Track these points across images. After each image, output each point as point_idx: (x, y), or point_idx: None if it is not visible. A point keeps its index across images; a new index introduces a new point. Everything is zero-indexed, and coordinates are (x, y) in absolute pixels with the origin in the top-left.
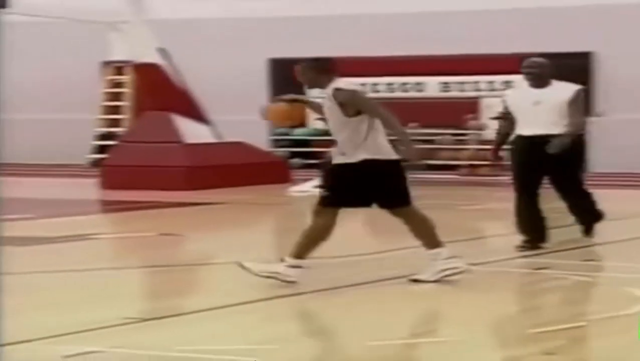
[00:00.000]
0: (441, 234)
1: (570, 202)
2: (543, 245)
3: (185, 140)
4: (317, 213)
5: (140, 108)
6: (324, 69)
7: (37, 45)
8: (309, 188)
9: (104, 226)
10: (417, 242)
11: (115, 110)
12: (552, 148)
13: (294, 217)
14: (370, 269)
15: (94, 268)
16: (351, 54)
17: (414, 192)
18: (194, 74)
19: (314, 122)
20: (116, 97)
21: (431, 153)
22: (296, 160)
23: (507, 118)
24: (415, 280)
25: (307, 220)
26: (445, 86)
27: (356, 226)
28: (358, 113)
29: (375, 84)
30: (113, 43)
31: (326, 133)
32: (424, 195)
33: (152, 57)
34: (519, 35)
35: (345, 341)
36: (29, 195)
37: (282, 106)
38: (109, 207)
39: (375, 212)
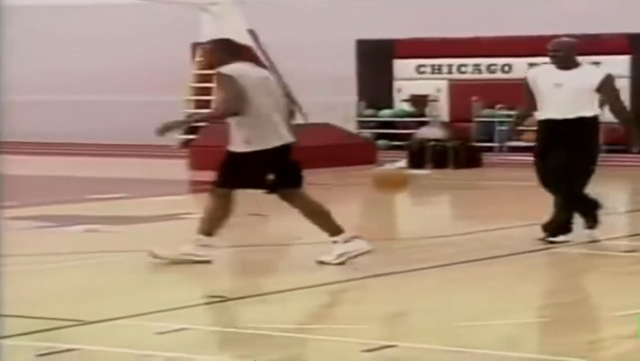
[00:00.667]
0: (537, 216)
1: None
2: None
3: None
4: (212, 194)
5: None
6: (232, 51)
7: (130, 27)
8: (394, 169)
9: (192, 206)
10: (512, 223)
11: (204, 91)
12: (634, 146)
13: (377, 198)
14: (468, 249)
15: None
16: (437, 35)
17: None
18: (282, 55)
19: (400, 103)
20: (205, 78)
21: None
22: (382, 142)
23: (530, 99)
24: (321, 262)
25: (389, 200)
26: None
27: (444, 208)
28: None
29: (462, 65)
30: (204, 24)
31: (412, 114)
32: (508, 177)
33: (242, 39)
34: (611, 16)
35: (431, 321)
36: (122, 175)
37: (387, 174)
38: (197, 187)
39: (460, 194)
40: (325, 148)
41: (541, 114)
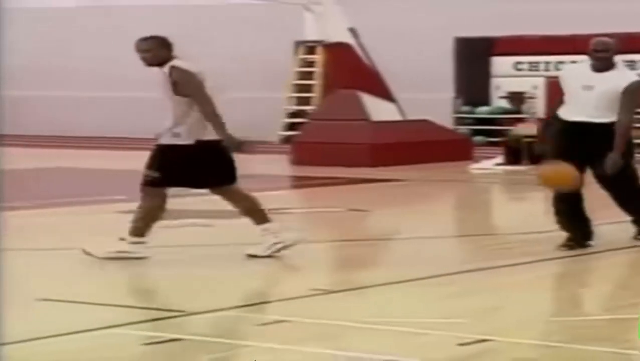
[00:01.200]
0: None
1: (619, 197)
2: (588, 243)
3: (372, 118)
4: (147, 194)
5: (329, 86)
6: (168, 47)
7: (235, 26)
8: (490, 166)
9: (294, 201)
10: (608, 219)
11: (306, 88)
12: (608, 169)
13: (473, 193)
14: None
15: None
16: (535, 32)
17: None
18: (382, 53)
19: (498, 100)
20: (307, 75)
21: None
22: (479, 138)
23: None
24: (251, 255)
25: (485, 196)
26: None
27: (539, 205)
28: (188, 95)
29: (560, 62)
30: (306, 23)
31: (509, 111)
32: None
33: (343, 37)
34: None
35: (526, 315)
36: None
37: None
38: (298, 182)
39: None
40: (423, 145)
41: (565, 114)
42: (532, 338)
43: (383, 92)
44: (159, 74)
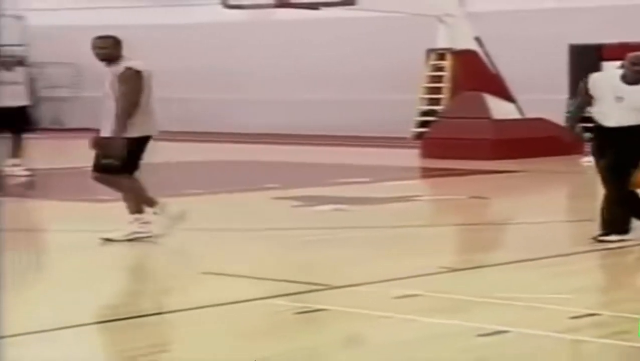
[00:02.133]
0: None
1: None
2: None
3: (494, 117)
4: (113, 180)
5: (457, 89)
6: (120, 46)
7: (376, 35)
8: None
9: (423, 189)
10: None
11: (436, 90)
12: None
13: (583, 183)
14: None
15: (414, 225)
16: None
17: None
18: (503, 59)
19: None
20: (437, 79)
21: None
22: (588, 134)
23: (585, 97)
24: (107, 239)
25: (594, 187)
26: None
27: None
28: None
29: None
30: (438, 33)
31: None
32: None
33: (470, 45)
34: None
35: (633, 293)
36: (365, 162)
37: None
38: (427, 173)
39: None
40: (538, 140)
41: (598, 116)
42: (638, 313)
43: (504, 93)
44: (109, 71)
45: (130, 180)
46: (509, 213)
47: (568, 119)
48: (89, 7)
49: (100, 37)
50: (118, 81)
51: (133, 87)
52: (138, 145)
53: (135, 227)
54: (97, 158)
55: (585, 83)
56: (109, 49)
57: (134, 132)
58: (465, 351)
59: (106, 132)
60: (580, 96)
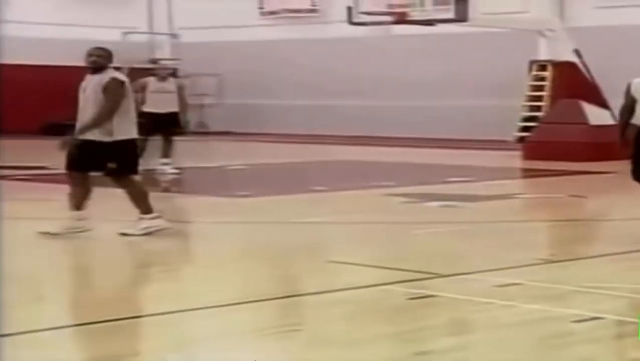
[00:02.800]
0: None
1: None
2: None
3: (590, 122)
4: (124, 182)
5: (556, 96)
6: (111, 58)
7: (485, 48)
8: None
9: (525, 188)
10: None
11: (537, 98)
12: None
13: None
14: None
15: (515, 221)
16: None
17: None
18: (600, 69)
19: None
20: (539, 88)
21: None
22: None
23: (628, 101)
24: (124, 234)
25: None
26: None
27: None
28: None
29: None
30: (539, 46)
31: None
32: None
33: (569, 57)
34: None
35: None
36: (471, 163)
37: None
38: (528, 173)
39: None
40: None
41: (635, 120)
42: None
43: (600, 101)
44: (93, 78)
45: (133, 182)
46: (605, 210)
47: (618, 124)
48: (233, 25)
49: (97, 48)
50: (102, 89)
51: (116, 96)
52: (130, 147)
53: (147, 223)
54: (69, 157)
55: (629, 87)
56: (103, 58)
57: (121, 135)
58: (561, 336)
59: (96, 136)
60: (625, 100)
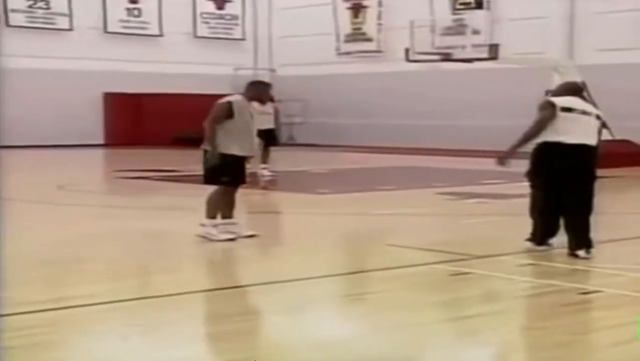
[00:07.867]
0: None
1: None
2: None
3: None
4: (225, 191)
5: None
6: (249, 89)
7: (509, 80)
8: None
9: None
10: None
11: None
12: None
13: None
14: None
15: None
16: None
17: None
18: (602, 97)
19: None
20: None
21: None
22: None
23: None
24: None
25: None
26: None
27: None
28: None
29: None
30: (553, 79)
31: None
32: None
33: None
34: None
35: None
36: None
37: None
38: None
39: None
40: (621, 155)
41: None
42: None
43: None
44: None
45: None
46: (608, 206)
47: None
48: (316, 62)
49: (267, 83)
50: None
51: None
52: (233, 161)
53: (209, 230)
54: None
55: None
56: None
57: (231, 150)
58: (568, 305)
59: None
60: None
